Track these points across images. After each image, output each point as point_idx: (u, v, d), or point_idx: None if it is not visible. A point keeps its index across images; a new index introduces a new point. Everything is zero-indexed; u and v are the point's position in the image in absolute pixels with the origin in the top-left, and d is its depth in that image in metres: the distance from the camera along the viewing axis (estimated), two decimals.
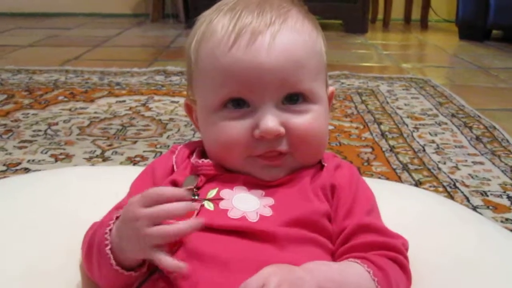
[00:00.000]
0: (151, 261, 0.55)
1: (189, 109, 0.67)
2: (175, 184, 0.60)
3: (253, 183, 0.59)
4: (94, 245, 0.57)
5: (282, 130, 0.57)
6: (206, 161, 0.61)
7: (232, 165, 0.60)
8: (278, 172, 0.59)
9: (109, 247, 0.54)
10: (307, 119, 0.58)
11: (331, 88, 0.65)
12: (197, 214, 0.56)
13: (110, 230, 0.55)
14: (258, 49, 0.56)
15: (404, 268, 0.57)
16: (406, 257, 0.58)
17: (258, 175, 0.59)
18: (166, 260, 0.51)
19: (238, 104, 0.58)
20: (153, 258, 0.51)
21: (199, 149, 0.65)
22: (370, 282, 0.53)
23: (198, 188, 0.59)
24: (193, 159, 0.62)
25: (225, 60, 0.57)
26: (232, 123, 0.58)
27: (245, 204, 0.57)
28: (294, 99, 0.58)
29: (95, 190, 0.75)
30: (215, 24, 0.59)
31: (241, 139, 0.57)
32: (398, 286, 0.55)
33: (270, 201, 0.57)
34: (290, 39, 0.57)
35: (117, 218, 0.55)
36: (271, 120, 0.56)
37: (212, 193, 0.58)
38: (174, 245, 0.54)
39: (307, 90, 0.59)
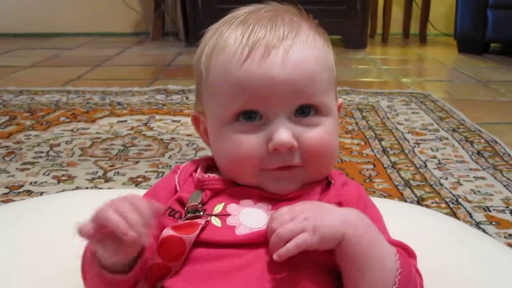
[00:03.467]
0: (149, 277, 0.55)
1: (196, 122, 0.67)
2: (180, 201, 0.60)
3: (260, 197, 0.59)
4: (87, 251, 0.57)
5: (295, 143, 0.57)
6: (211, 175, 0.61)
7: (245, 179, 0.60)
8: (290, 185, 0.59)
9: (94, 249, 0.54)
10: (319, 132, 0.59)
11: (340, 100, 0.66)
12: (203, 230, 0.55)
13: None
14: (272, 63, 0.56)
15: (421, 285, 0.57)
16: (422, 278, 0.58)
17: (269, 188, 0.59)
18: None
19: (250, 117, 0.58)
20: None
21: (202, 165, 0.65)
22: (393, 268, 0.53)
23: (203, 203, 0.59)
24: (198, 174, 0.62)
25: (239, 74, 0.57)
26: (245, 136, 0.58)
27: (252, 219, 0.56)
28: (306, 111, 0.59)
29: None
30: (227, 37, 0.59)
31: (255, 152, 0.58)
32: None
33: None
34: (303, 54, 0.58)
35: None
36: (284, 133, 0.56)
37: (218, 208, 0.58)
38: (178, 261, 0.54)
39: (319, 103, 0.59)
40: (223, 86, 0.59)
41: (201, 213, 0.57)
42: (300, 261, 0.54)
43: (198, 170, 0.63)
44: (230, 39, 0.59)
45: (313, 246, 0.51)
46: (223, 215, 0.57)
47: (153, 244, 0.54)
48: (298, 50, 0.58)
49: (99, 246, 0.52)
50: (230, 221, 0.56)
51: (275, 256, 0.50)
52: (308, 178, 0.60)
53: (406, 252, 0.57)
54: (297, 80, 0.57)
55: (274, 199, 0.58)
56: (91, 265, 0.56)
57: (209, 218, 0.56)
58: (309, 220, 0.51)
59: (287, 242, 0.50)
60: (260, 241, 0.54)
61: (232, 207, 0.58)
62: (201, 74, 0.62)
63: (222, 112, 0.59)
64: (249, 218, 0.57)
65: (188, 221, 0.57)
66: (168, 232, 0.55)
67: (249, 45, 0.57)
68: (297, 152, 0.58)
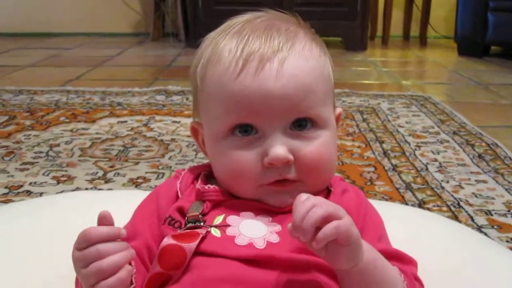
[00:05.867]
0: (149, 286, 0.54)
1: (195, 133, 0.67)
2: (181, 210, 0.59)
3: (260, 209, 0.58)
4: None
5: (291, 157, 0.56)
6: (212, 187, 0.61)
7: (243, 193, 0.59)
8: (289, 198, 0.58)
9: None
10: (315, 146, 0.58)
11: (338, 110, 0.65)
12: (202, 240, 0.55)
13: None
14: (266, 76, 0.56)
15: None
16: (423, 286, 0.58)
17: (267, 201, 0.58)
18: (116, 281, 0.50)
19: (246, 131, 0.57)
20: None
21: (204, 173, 0.64)
22: None
23: (204, 214, 0.58)
24: (199, 185, 0.62)
25: (233, 87, 0.56)
26: (240, 152, 0.57)
27: (252, 230, 0.56)
28: (302, 124, 0.58)
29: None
30: (222, 48, 0.58)
31: (251, 168, 0.57)
32: None
33: (277, 227, 0.57)
34: (298, 66, 0.57)
35: None
36: (279, 148, 0.56)
37: (218, 220, 0.57)
38: (178, 269, 0.54)
39: (315, 116, 0.58)
40: (218, 99, 0.58)
41: (202, 224, 0.57)
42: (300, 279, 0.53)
43: (199, 180, 0.63)
44: (225, 51, 0.58)
45: (351, 238, 0.48)
46: (223, 226, 0.57)
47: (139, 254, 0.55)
48: (293, 62, 0.57)
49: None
50: (229, 231, 0.56)
51: (307, 237, 0.47)
52: (306, 190, 0.59)
53: (403, 261, 0.57)
54: (292, 94, 0.56)
55: (274, 212, 0.58)
56: None
57: (209, 229, 0.56)
58: (346, 213, 0.49)
59: (314, 226, 0.47)
60: (260, 260, 0.53)
61: (232, 219, 0.57)
62: (197, 85, 0.62)
63: (218, 125, 0.59)
64: (248, 228, 0.56)
65: (188, 230, 0.56)
66: (168, 241, 0.55)
67: (243, 58, 0.56)
68: (293, 166, 0.57)
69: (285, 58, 0.56)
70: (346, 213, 0.49)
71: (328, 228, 0.47)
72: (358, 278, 0.51)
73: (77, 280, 0.58)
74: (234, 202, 0.59)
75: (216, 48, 0.59)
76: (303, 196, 0.50)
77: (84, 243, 0.50)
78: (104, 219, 0.51)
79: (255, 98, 0.55)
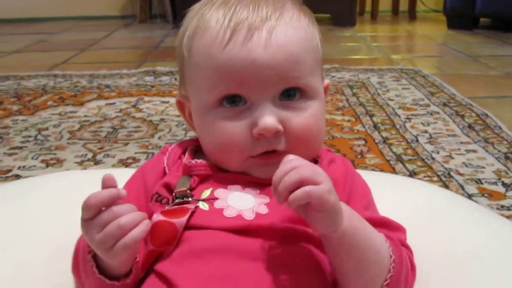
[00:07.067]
0: (143, 265, 0.54)
1: (181, 106, 0.66)
2: (168, 186, 0.59)
3: (247, 182, 0.58)
4: (79, 252, 0.56)
5: (280, 127, 0.55)
6: (199, 161, 0.60)
7: (231, 166, 0.59)
8: (275, 170, 0.58)
9: (92, 254, 0.53)
10: (305, 117, 0.57)
11: (326, 81, 0.64)
12: (191, 215, 0.55)
13: None
14: (254, 46, 0.54)
15: (411, 262, 0.57)
16: (412, 252, 0.58)
17: (255, 174, 0.58)
18: (133, 239, 0.49)
19: (234, 102, 0.57)
20: (119, 254, 0.49)
21: (190, 148, 0.63)
22: (387, 256, 0.53)
23: (191, 189, 0.58)
24: (186, 159, 0.61)
25: (221, 57, 0.55)
26: (229, 123, 0.56)
27: (240, 202, 0.56)
28: (291, 94, 0.57)
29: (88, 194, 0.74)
30: (208, 18, 0.57)
31: (240, 139, 0.56)
32: (407, 277, 0.55)
33: (265, 199, 0.56)
34: (287, 35, 0.56)
35: None
36: (269, 118, 0.55)
37: (206, 193, 0.57)
38: (170, 245, 0.53)
39: (304, 85, 0.57)
40: (206, 70, 0.57)
41: (190, 199, 0.56)
42: (287, 240, 0.53)
43: (186, 154, 0.62)
44: (212, 21, 0.57)
45: (324, 205, 0.47)
46: (210, 199, 0.56)
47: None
48: (282, 31, 0.56)
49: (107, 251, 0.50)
50: (217, 204, 0.56)
51: (280, 200, 0.48)
52: None
53: (390, 228, 0.57)
54: (281, 63, 0.55)
55: (262, 184, 0.57)
56: (86, 270, 0.55)
57: (197, 204, 0.56)
58: (327, 180, 0.49)
59: (296, 188, 0.47)
60: (249, 229, 0.53)
61: (220, 192, 0.57)
62: (183, 57, 0.60)
63: (205, 97, 0.58)
64: (236, 200, 0.56)
65: (176, 206, 0.56)
66: (158, 217, 0.54)
67: (231, 27, 0.55)
68: (283, 137, 0.56)
69: (274, 27, 0.55)
70: (327, 180, 0.49)
71: (298, 193, 0.47)
72: (337, 242, 0.50)
73: (76, 262, 0.57)
74: (222, 175, 0.59)
75: (202, 18, 0.58)
76: (289, 157, 0.50)
77: (89, 210, 0.49)
78: (109, 181, 0.50)
79: (243, 68, 0.55)
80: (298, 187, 0.47)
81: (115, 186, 0.50)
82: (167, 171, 0.62)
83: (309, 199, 0.47)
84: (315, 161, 0.62)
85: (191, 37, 0.59)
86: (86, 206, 0.49)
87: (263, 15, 0.56)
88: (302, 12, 0.60)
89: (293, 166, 0.48)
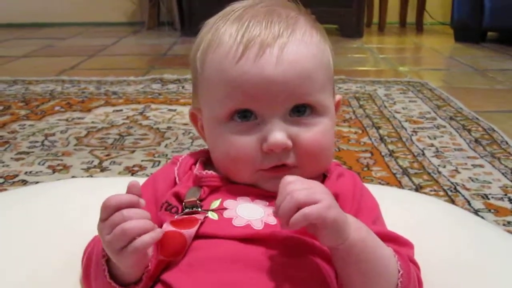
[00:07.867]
0: (153, 274, 0.54)
1: (194, 118, 0.66)
2: (178, 196, 0.59)
3: (257, 194, 0.58)
4: (93, 257, 0.57)
5: (290, 143, 0.56)
6: (209, 172, 0.61)
7: (241, 178, 0.59)
8: None
9: (105, 258, 0.54)
10: (314, 133, 0.58)
11: (338, 97, 0.65)
12: (200, 225, 0.55)
13: None
14: (266, 62, 0.55)
15: (419, 279, 0.57)
16: (419, 268, 0.58)
17: (264, 187, 0.59)
18: (141, 244, 0.49)
19: (245, 116, 0.57)
20: (126, 257, 0.50)
21: (201, 159, 0.64)
22: (395, 270, 0.53)
23: (201, 199, 0.58)
24: (196, 170, 0.62)
25: (233, 72, 0.56)
26: (240, 137, 0.57)
27: (249, 212, 0.56)
28: (301, 110, 0.58)
29: (96, 201, 0.74)
30: (222, 33, 0.58)
31: (250, 153, 0.57)
32: None
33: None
34: (298, 52, 0.56)
35: None
36: (279, 134, 0.55)
37: (215, 204, 0.58)
38: (179, 255, 0.54)
39: (315, 102, 0.58)
40: (218, 84, 0.58)
41: (199, 209, 0.57)
42: (296, 253, 0.54)
43: (197, 165, 0.63)
44: (225, 36, 0.58)
45: (325, 222, 0.48)
46: (220, 209, 0.57)
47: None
48: (294, 48, 0.56)
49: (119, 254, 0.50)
50: (227, 214, 0.56)
51: (282, 226, 0.49)
52: (303, 177, 0.59)
53: (399, 243, 0.57)
54: (292, 80, 0.56)
55: (271, 197, 0.57)
56: (97, 274, 0.55)
57: (207, 214, 0.56)
58: (325, 196, 0.50)
59: (298, 209, 0.48)
60: (257, 239, 0.54)
61: (229, 202, 0.58)
62: (196, 70, 0.61)
63: (217, 110, 0.59)
64: (246, 211, 0.56)
65: (186, 216, 0.56)
66: (167, 227, 0.55)
67: (243, 43, 0.56)
68: (292, 152, 0.57)
69: (285, 44, 0.56)
70: (326, 195, 0.50)
71: (296, 216, 0.48)
72: (346, 254, 0.51)
73: (87, 268, 0.58)
74: (231, 187, 0.59)
75: (217, 33, 0.59)
76: (286, 179, 0.51)
77: (106, 211, 0.50)
78: (133, 188, 0.51)
79: (254, 84, 0.55)
80: (297, 210, 0.48)
81: (138, 194, 0.51)
82: (177, 181, 0.62)
83: (308, 220, 0.48)
84: (324, 175, 0.62)
85: (205, 50, 0.60)
86: (104, 207, 0.50)
87: (275, 32, 0.56)
88: (315, 28, 0.60)
89: (287, 192, 0.49)
